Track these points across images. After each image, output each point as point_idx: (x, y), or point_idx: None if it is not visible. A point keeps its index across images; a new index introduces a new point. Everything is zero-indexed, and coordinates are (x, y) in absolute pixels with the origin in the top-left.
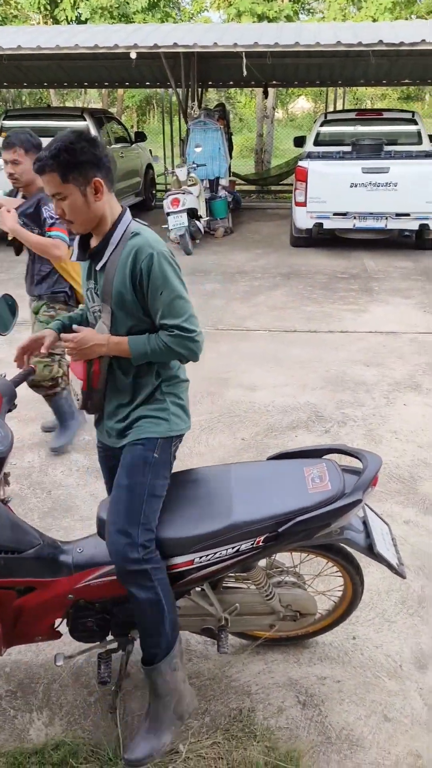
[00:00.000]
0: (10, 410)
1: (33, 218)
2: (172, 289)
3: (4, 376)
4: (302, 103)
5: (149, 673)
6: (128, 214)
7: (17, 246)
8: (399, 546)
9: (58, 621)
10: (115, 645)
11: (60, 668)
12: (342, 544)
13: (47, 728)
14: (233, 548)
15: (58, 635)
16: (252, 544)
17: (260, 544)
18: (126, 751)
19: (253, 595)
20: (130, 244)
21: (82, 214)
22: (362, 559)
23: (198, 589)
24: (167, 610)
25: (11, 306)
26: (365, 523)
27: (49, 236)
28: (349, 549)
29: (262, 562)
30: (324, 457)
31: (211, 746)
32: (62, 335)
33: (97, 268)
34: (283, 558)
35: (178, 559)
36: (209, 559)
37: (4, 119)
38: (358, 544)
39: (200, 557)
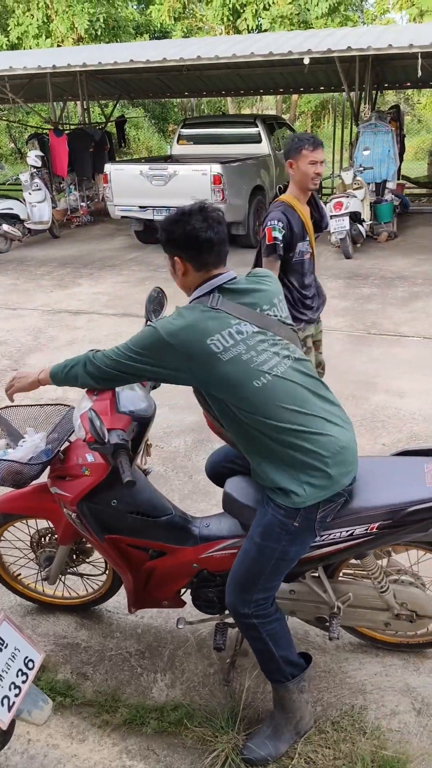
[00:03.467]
0: (154, 387)
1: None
2: (127, 341)
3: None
4: None
5: (277, 688)
6: (198, 290)
7: None
8: None
9: (183, 591)
10: (232, 620)
11: (185, 636)
12: None
13: (168, 689)
14: (347, 532)
15: (183, 603)
16: (366, 530)
17: (374, 530)
18: (245, 750)
19: (367, 588)
20: None
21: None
22: None
23: (314, 575)
24: (278, 655)
25: (161, 299)
26: None
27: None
28: None
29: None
30: None
31: (318, 734)
32: None
33: None
34: (404, 561)
35: None
36: (323, 540)
37: (182, 127)
38: None
39: (320, 532)
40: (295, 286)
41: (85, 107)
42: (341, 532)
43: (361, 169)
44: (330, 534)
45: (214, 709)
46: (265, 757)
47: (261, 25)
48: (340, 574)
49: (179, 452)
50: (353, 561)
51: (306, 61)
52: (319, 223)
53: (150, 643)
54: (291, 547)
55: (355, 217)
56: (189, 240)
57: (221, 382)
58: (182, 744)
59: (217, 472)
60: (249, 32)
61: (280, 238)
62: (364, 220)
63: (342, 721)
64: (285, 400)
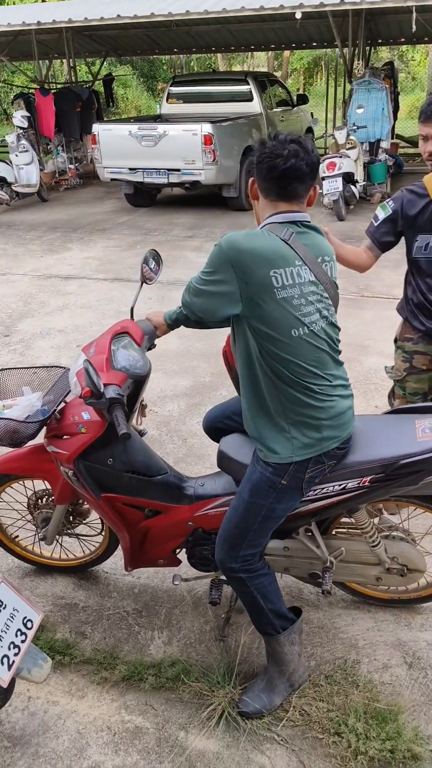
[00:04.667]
0: (150, 348)
1: None
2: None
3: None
4: None
5: (268, 640)
6: (273, 217)
7: None
8: None
9: (178, 550)
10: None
11: (182, 595)
12: None
13: (165, 647)
14: (340, 486)
15: (178, 562)
16: (358, 483)
17: (366, 484)
18: (241, 703)
19: (359, 543)
20: None
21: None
22: None
23: (308, 534)
24: (267, 608)
25: (158, 260)
26: None
27: None
28: None
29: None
30: None
31: (312, 688)
32: None
33: None
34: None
35: None
36: (316, 494)
37: (171, 85)
38: None
39: (308, 491)
40: (420, 289)
41: (71, 65)
42: (334, 486)
43: (355, 128)
44: (323, 488)
45: (210, 665)
46: (260, 709)
47: None
48: (333, 531)
49: (173, 416)
50: (345, 519)
51: (298, 15)
52: None
53: (147, 602)
54: (278, 505)
55: (348, 178)
56: (262, 163)
57: (265, 317)
58: (179, 699)
59: (214, 427)
60: None
61: (380, 218)
62: (357, 181)
63: (335, 675)
64: (309, 357)
